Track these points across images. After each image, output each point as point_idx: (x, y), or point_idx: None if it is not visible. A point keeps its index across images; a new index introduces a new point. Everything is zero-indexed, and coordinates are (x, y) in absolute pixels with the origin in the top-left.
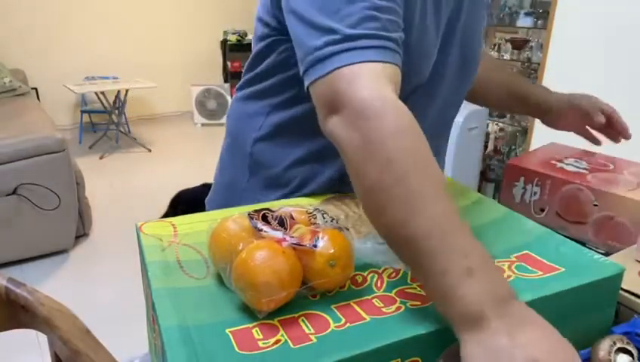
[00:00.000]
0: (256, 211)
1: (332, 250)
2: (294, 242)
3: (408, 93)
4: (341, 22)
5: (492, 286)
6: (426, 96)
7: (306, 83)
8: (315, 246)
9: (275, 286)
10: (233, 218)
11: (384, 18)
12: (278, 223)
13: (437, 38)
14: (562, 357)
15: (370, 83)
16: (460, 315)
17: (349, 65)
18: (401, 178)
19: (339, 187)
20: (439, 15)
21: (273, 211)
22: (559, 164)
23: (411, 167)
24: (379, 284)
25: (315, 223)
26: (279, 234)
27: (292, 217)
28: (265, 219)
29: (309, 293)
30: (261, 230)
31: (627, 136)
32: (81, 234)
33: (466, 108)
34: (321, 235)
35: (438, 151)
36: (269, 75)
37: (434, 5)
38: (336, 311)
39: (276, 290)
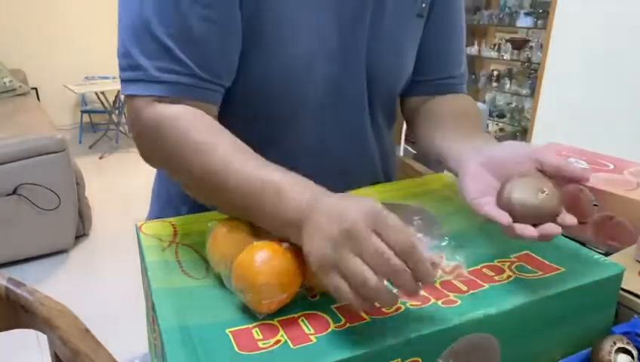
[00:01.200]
0: None
1: None
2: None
3: (297, 111)
4: (142, 52)
5: (286, 194)
6: (328, 113)
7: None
8: None
9: (275, 288)
10: (231, 219)
11: (182, 51)
12: None
13: (317, 44)
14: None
15: (151, 110)
16: (282, 223)
17: (139, 96)
18: (185, 131)
19: None
20: (321, 20)
21: None
22: None
23: (190, 123)
24: None
25: None
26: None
27: None
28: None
29: (308, 294)
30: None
31: (583, 182)
32: (81, 234)
33: None
34: None
35: (360, 167)
36: None
37: (311, 11)
38: (336, 311)
39: (277, 292)
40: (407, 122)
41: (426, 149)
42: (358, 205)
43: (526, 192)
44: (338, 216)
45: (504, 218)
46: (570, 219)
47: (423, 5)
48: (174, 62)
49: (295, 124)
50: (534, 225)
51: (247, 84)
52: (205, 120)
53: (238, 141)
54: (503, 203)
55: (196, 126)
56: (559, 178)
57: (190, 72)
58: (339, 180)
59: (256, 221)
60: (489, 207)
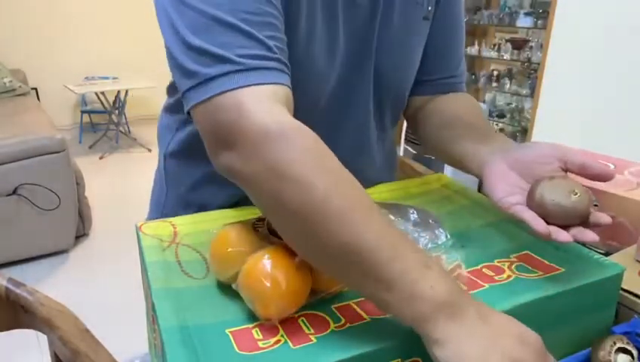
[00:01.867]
0: (259, 220)
1: None
2: None
3: (306, 113)
4: (216, 44)
5: (447, 274)
6: (331, 116)
7: (186, 108)
8: None
9: (287, 303)
10: (234, 228)
11: (262, 36)
12: None
13: (332, 53)
14: (533, 337)
15: (260, 108)
16: (434, 307)
17: (232, 90)
18: (328, 196)
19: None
20: (334, 29)
21: None
22: None
23: (333, 185)
24: None
25: None
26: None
27: None
28: (269, 226)
29: (313, 300)
30: (272, 241)
31: (608, 179)
32: (81, 234)
33: None
34: None
35: (363, 169)
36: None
37: (325, 19)
38: (336, 311)
39: (289, 306)
40: (408, 121)
41: (436, 151)
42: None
43: (558, 193)
44: (519, 341)
45: (540, 226)
46: (604, 218)
47: (429, 8)
48: (261, 48)
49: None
50: (564, 226)
51: None
52: (322, 148)
53: (365, 194)
54: (534, 203)
55: (321, 164)
56: (584, 176)
57: (276, 57)
58: None
59: (366, 290)
60: (519, 208)
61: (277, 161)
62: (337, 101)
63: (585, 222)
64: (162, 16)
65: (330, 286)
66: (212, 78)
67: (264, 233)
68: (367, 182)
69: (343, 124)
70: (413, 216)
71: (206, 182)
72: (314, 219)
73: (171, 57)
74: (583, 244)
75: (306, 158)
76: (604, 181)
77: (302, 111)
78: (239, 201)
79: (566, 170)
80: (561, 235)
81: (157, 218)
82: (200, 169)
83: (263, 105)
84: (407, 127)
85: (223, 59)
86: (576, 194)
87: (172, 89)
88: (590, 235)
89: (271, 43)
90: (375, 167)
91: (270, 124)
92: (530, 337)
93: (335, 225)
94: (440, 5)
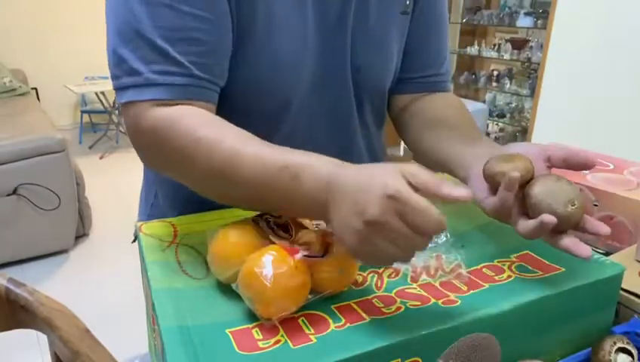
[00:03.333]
0: (259, 216)
1: (341, 260)
2: (305, 254)
3: (282, 109)
4: (135, 56)
5: (316, 178)
6: (310, 113)
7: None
8: (325, 256)
9: (286, 302)
10: (234, 223)
11: (176, 53)
12: (282, 229)
13: (303, 41)
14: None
15: (151, 114)
16: (311, 210)
17: (136, 102)
18: (193, 130)
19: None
20: (302, 13)
21: (276, 216)
22: None
23: (198, 124)
24: (379, 284)
25: (317, 225)
26: (288, 242)
27: (295, 220)
28: (268, 224)
29: (312, 299)
30: (271, 239)
31: (591, 166)
32: (81, 234)
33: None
34: (330, 247)
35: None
36: None
37: (290, 4)
38: (336, 311)
39: (288, 305)
40: (394, 123)
41: (420, 153)
42: (378, 189)
43: (556, 201)
44: (359, 208)
45: (585, 251)
46: (603, 228)
47: (407, 2)
48: (170, 64)
49: (281, 125)
50: (557, 232)
51: (234, 83)
52: (207, 116)
53: (244, 131)
54: (530, 207)
55: (199, 122)
56: (569, 168)
57: (187, 73)
58: None
59: (274, 209)
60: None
61: (169, 145)
62: (314, 98)
63: (577, 228)
64: (106, 21)
65: (329, 285)
66: (126, 87)
67: (264, 227)
68: None
69: (323, 123)
70: None
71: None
72: (185, 153)
73: (107, 58)
74: None
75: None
76: (589, 168)
77: (277, 104)
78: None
79: (551, 167)
80: (582, 250)
81: (146, 220)
82: None
83: (153, 112)
84: (394, 127)
85: (136, 72)
86: (574, 205)
87: None
88: (585, 251)
89: (184, 59)
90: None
91: (157, 120)
92: (369, 206)
93: (198, 152)
94: (420, 1)
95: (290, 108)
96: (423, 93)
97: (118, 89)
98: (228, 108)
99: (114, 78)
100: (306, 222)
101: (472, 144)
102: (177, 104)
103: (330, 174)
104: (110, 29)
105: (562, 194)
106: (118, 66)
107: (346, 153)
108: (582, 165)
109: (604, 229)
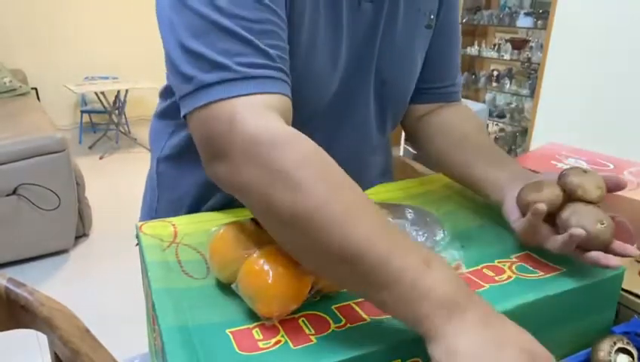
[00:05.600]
0: None
1: None
2: None
3: (306, 119)
4: (214, 49)
5: (451, 272)
6: (331, 120)
7: (182, 113)
8: None
9: (287, 300)
10: (234, 227)
11: (263, 44)
12: None
13: (334, 60)
14: (544, 356)
15: (252, 118)
16: (434, 306)
17: (227, 98)
18: (322, 202)
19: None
20: (338, 35)
21: None
22: (559, 164)
23: (329, 190)
24: None
25: None
26: None
27: None
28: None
29: (311, 296)
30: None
31: (623, 186)
32: (81, 234)
33: None
34: None
35: (360, 174)
36: (173, 91)
37: (330, 26)
38: (336, 311)
39: (289, 303)
40: (406, 130)
41: (443, 166)
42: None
43: (586, 220)
44: (525, 355)
45: (612, 261)
46: (631, 250)
47: (432, 17)
48: (262, 56)
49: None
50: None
51: None
52: (327, 163)
53: (376, 207)
54: (562, 228)
55: (322, 176)
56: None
57: (278, 66)
58: None
59: (377, 303)
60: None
61: (270, 168)
62: (338, 106)
63: (607, 250)
64: (162, 16)
65: (329, 284)
66: (208, 85)
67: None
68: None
69: (343, 129)
70: (412, 215)
71: (199, 187)
72: (302, 226)
73: (169, 59)
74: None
75: (301, 167)
76: (619, 190)
77: (302, 116)
78: (230, 204)
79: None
80: (612, 260)
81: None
82: (194, 174)
83: (256, 114)
84: (405, 137)
85: (220, 66)
86: (603, 224)
87: (166, 92)
88: (613, 261)
89: (272, 51)
90: (373, 173)
91: (262, 133)
92: (541, 355)
93: (326, 231)
94: (440, 14)
95: (314, 117)
96: (437, 103)
97: (194, 91)
98: None
99: (184, 80)
100: None
101: (502, 167)
102: (273, 102)
103: (469, 299)
104: (171, 21)
105: (591, 215)
106: (191, 64)
107: (360, 157)
108: (615, 187)
109: (632, 250)
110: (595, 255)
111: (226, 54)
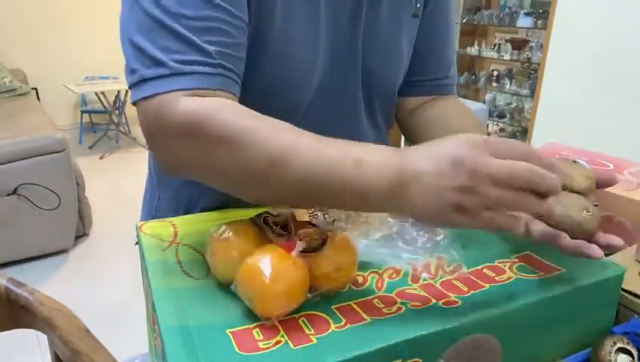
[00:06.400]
0: (257, 215)
1: (338, 255)
2: (302, 249)
3: (293, 109)
4: (156, 46)
5: (381, 169)
6: (320, 112)
7: (131, 100)
8: (323, 251)
9: (286, 299)
10: (233, 227)
11: (202, 42)
12: (280, 227)
13: (314, 47)
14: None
15: (179, 106)
16: (377, 199)
17: (164, 93)
18: (248, 125)
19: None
20: (316, 22)
21: (274, 215)
22: None
23: (252, 118)
24: (379, 285)
25: (317, 224)
26: (286, 239)
27: (294, 218)
28: (266, 223)
29: (311, 296)
30: (269, 237)
31: (614, 182)
32: (81, 234)
33: None
34: (326, 239)
35: None
36: None
37: (306, 11)
38: (336, 311)
39: (287, 302)
40: (399, 124)
41: None
42: (457, 145)
43: (571, 207)
44: (446, 178)
45: (596, 252)
46: (616, 240)
47: (418, 5)
48: (197, 53)
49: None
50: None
51: (246, 87)
52: (246, 108)
53: (288, 124)
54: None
55: (243, 112)
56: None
57: (215, 62)
58: None
59: (327, 203)
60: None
61: (202, 142)
62: (325, 96)
63: (590, 240)
64: (121, 13)
65: (328, 283)
66: (148, 79)
67: (263, 226)
68: None
69: (332, 121)
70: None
71: (195, 184)
72: (225, 148)
73: (123, 52)
74: None
75: (218, 116)
76: (609, 186)
77: (289, 105)
78: (227, 200)
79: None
80: (594, 250)
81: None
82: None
83: (182, 102)
84: (401, 130)
85: (158, 63)
86: (588, 212)
87: None
88: (596, 251)
89: (210, 48)
90: None
91: (188, 114)
92: (475, 141)
93: (242, 146)
94: (429, 3)
95: (299, 110)
96: (432, 96)
97: (136, 83)
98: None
99: (130, 72)
100: (305, 218)
101: None
102: (206, 95)
103: (400, 154)
104: (127, 23)
105: (577, 203)
106: (136, 58)
107: None
108: (603, 183)
109: (617, 241)
110: (578, 243)
111: (164, 51)
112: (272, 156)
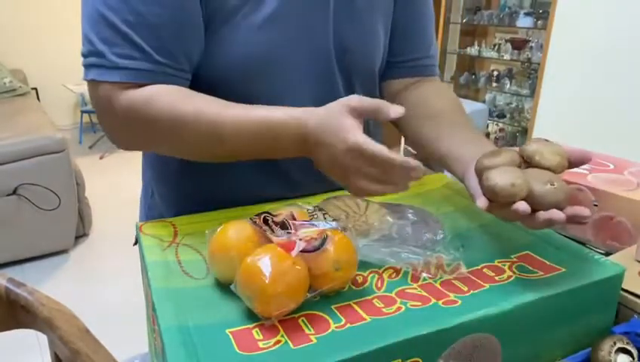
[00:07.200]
0: (257, 215)
1: (338, 254)
2: (302, 248)
3: (266, 89)
4: (99, 38)
5: (294, 140)
6: (299, 94)
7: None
8: (322, 250)
9: (285, 299)
10: (233, 226)
11: (138, 38)
12: (280, 227)
13: (280, 25)
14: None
15: (119, 99)
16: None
17: (103, 82)
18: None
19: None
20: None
21: (274, 215)
22: None
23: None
24: (379, 285)
25: (316, 224)
26: (286, 238)
27: (294, 218)
28: (266, 222)
29: (311, 296)
30: (269, 237)
31: (587, 160)
32: (81, 234)
33: (465, 108)
34: (326, 239)
35: None
36: None
37: None
38: (336, 311)
39: (287, 302)
40: None
41: (418, 145)
42: (342, 143)
43: (535, 181)
44: (333, 158)
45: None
46: (584, 211)
47: None
48: (132, 48)
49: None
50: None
51: (210, 71)
52: (183, 90)
53: (215, 98)
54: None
55: (178, 96)
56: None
57: (149, 57)
58: (321, 181)
59: (263, 158)
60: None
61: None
62: (300, 81)
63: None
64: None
65: (328, 282)
66: (91, 65)
67: (262, 225)
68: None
69: (312, 105)
70: (412, 215)
71: (180, 176)
72: (164, 129)
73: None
74: (583, 244)
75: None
76: (584, 164)
77: (261, 89)
78: (216, 194)
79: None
80: (555, 214)
81: (145, 220)
82: (170, 163)
83: (121, 96)
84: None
85: (100, 54)
86: (553, 185)
87: None
88: (556, 214)
89: (145, 45)
90: None
91: (126, 106)
92: (338, 157)
93: (178, 125)
94: None
95: (275, 90)
96: (414, 77)
97: (85, 66)
98: (211, 93)
99: (82, 55)
100: (305, 218)
101: (473, 145)
102: (145, 86)
103: (306, 133)
104: (82, 10)
105: (542, 177)
106: (86, 45)
107: None
108: (578, 161)
109: (585, 211)
110: (538, 214)
111: (106, 43)
112: (207, 132)
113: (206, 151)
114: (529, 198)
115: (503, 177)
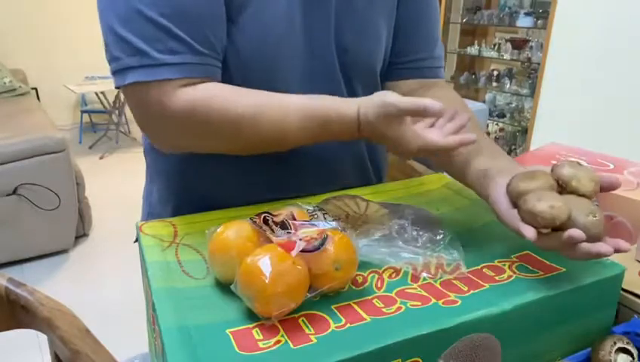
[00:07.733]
0: (257, 215)
1: (338, 254)
2: (302, 248)
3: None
4: (137, 36)
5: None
6: (297, 88)
7: (114, 85)
8: (322, 250)
9: (286, 298)
10: (233, 226)
11: (180, 30)
12: (280, 227)
13: (288, 23)
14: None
15: (172, 99)
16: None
17: (148, 82)
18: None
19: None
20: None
21: (274, 214)
22: None
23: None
24: (379, 284)
25: (316, 224)
26: (286, 238)
27: (294, 218)
28: (266, 222)
29: (311, 296)
30: (269, 237)
31: (617, 186)
32: (81, 234)
33: None
34: (326, 239)
35: (346, 162)
36: None
37: None
38: (336, 311)
39: (287, 302)
40: None
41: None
42: (413, 145)
43: (577, 211)
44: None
45: (605, 249)
46: (623, 245)
47: None
48: (175, 42)
49: None
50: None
51: (230, 57)
52: (235, 88)
53: (273, 94)
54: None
55: (235, 96)
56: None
57: (193, 50)
58: (327, 182)
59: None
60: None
61: (200, 131)
62: (303, 78)
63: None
64: (99, 3)
65: (327, 282)
66: (131, 68)
67: (262, 225)
68: (354, 181)
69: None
70: (412, 215)
71: (181, 176)
72: (225, 126)
73: (104, 40)
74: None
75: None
76: (613, 190)
77: (265, 87)
78: (216, 194)
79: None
80: (602, 248)
81: (146, 219)
82: (170, 159)
83: (174, 96)
84: None
85: (141, 52)
86: (595, 216)
87: None
88: (604, 248)
89: (188, 37)
90: (362, 162)
91: (183, 107)
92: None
93: (239, 123)
94: None
95: (275, 89)
96: (417, 79)
97: (120, 70)
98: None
99: (113, 60)
100: (305, 218)
101: (491, 158)
102: (192, 84)
103: (354, 124)
104: (106, 13)
105: (583, 206)
106: (118, 47)
107: (343, 145)
108: (609, 186)
109: (624, 245)
110: (585, 246)
111: (146, 41)
112: (267, 134)
113: (265, 147)
114: (571, 227)
115: (542, 201)
